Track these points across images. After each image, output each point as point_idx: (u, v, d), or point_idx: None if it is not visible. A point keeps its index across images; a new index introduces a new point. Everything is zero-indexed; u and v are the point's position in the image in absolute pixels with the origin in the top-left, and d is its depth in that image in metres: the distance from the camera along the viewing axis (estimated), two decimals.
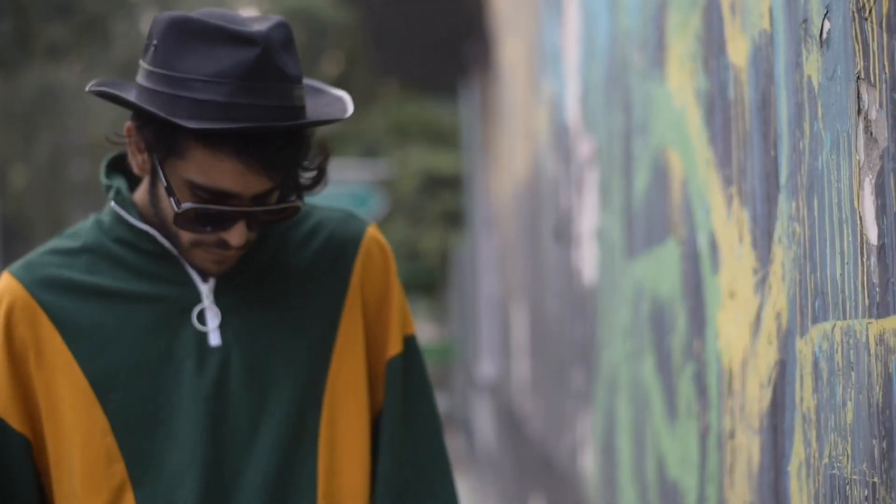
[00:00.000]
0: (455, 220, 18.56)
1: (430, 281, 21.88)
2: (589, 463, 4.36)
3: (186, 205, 1.91)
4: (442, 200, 19.35)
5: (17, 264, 2.04)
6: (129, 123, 1.99)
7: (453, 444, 16.80)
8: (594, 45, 4.06)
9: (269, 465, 2.00)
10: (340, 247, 2.13)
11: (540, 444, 6.24)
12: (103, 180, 2.06)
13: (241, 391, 2.00)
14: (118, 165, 2.09)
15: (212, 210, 1.91)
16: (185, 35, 1.91)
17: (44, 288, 2.01)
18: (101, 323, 2.00)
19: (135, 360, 1.99)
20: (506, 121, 8.16)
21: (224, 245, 1.96)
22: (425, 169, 19.57)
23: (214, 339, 2.01)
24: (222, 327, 2.01)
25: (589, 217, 4.26)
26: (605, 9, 3.78)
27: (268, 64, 1.88)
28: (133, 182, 2.08)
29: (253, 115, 1.86)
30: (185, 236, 1.97)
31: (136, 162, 1.99)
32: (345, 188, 16.14)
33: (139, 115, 1.95)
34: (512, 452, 8.19)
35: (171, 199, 1.93)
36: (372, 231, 2.17)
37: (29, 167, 42.64)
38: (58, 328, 1.99)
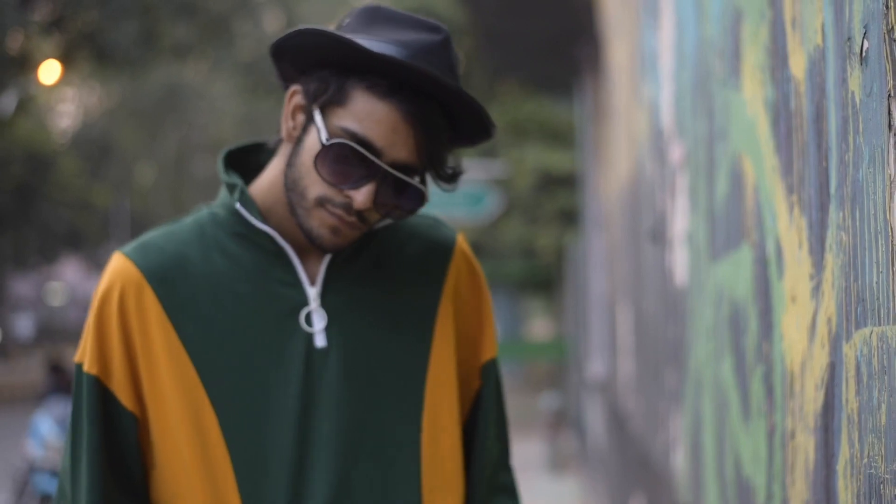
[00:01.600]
0: (570, 218, 18.61)
1: (546, 279, 21.96)
2: (680, 461, 4.43)
3: (335, 139, 1.99)
4: (558, 199, 19.40)
5: (131, 245, 2.10)
6: (294, 87, 2.08)
7: (566, 443, 16.84)
8: (684, 51, 4.14)
9: (373, 467, 2.06)
10: (433, 253, 2.21)
11: (640, 442, 6.31)
12: (224, 177, 2.14)
13: (346, 393, 2.06)
14: (232, 163, 2.18)
15: (354, 153, 1.99)
16: (376, 18, 2.06)
17: (156, 272, 2.06)
18: (213, 315, 2.05)
19: (243, 356, 2.04)
20: (613, 122, 8.23)
21: (348, 208, 2.02)
22: (541, 167, 19.63)
23: (320, 341, 2.07)
24: (328, 330, 2.07)
25: (681, 220, 4.34)
26: (693, 16, 3.85)
27: (447, 50, 2.04)
28: (246, 180, 2.17)
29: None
30: (313, 191, 2.02)
31: (287, 127, 2.08)
32: (460, 187, 16.22)
33: (316, 63, 2.04)
34: (618, 451, 8.25)
35: (322, 135, 2.01)
36: (461, 238, 2.26)
37: (155, 164, 43.46)
38: (168, 314, 2.04)
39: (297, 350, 2.06)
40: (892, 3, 1.64)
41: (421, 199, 2.07)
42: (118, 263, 2.07)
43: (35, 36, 23.68)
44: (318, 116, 2.03)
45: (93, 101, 43.84)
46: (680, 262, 4.38)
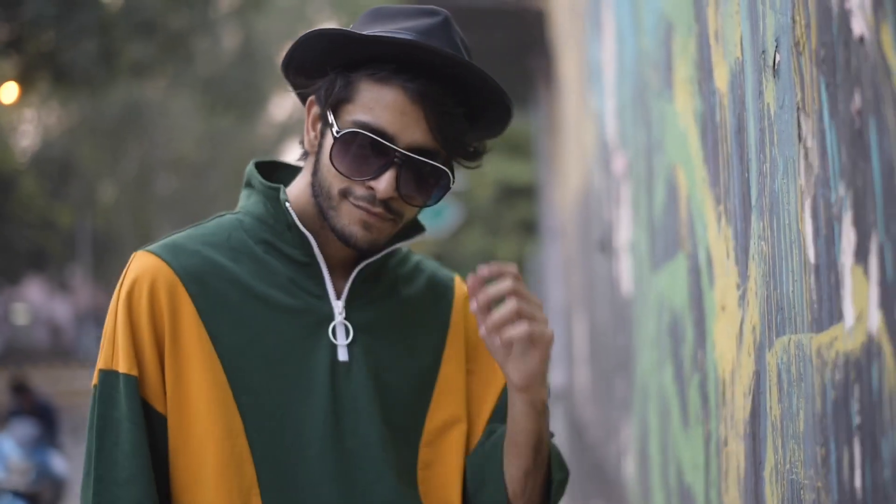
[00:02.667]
0: (530, 229, 18.65)
1: None
2: (630, 469, 4.46)
3: (346, 130, 2.00)
4: (517, 210, 19.45)
5: (156, 245, 2.06)
6: (310, 98, 2.10)
7: None
8: (624, 63, 4.18)
9: (395, 482, 2.07)
10: (439, 286, 2.24)
11: (596, 451, 6.34)
12: (262, 183, 2.13)
13: (368, 407, 2.07)
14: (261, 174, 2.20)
15: (367, 142, 1.99)
16: (377, 16, 2.09)
17: (190, 271, 2.04)
18: (242, 319, 2.04)
19: (271, 364, 2.04)
20: (566, 133, 8.27)
21: (372, 199, 2.01)
22: (501, 179, 19.68)
23: (343, 355, 2.08)
24: (350, 344, 2.09)
25: (625, 230, 4.37)
26: (631, 28, 3.89)
27: (447, 30, 2.05)
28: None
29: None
30: (336, 186, 2.02)
31: (309, 139, 2.09)
32: None
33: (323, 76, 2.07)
34: (577, 459, 8.28)
35: (333, 130, 2.01)
36: (458, 279, 2.29)
37: (117, 182, 43.29)
38: (200, 314, 2.03)
39: (322, 361, 2.06)
40: (799, 18, 1.67)
41: (446, 181, 2.05)
42: (146, 260, 2.04)
43: None
44: (330, 116, 2.04)
45: (52, 121, 43.64)
46: (626, 272, 4.42)
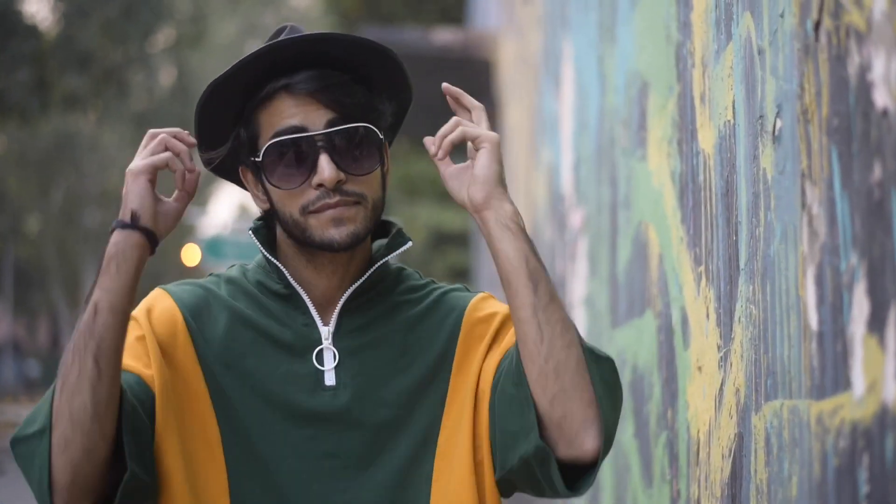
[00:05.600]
0: (461, 276, 18.67)
1: None
2: None
3: (266, 146, 2.04)
4: (448, 256, 19.49)
5: (170, 284, 2.19)
6: (239, 168, 2.14)
7: None
8: (586, 118, 4.20)
9: (380, 502, 2.07)
10: (451, 300, 2.18)
11: (539, 501, 6.32)
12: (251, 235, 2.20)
13: (352, 429, 2.08)
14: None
15: (285, 146, 2.03)
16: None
17: (188, 302, 2.14)
18: (232, 342, 2.11)
19: (255, 386, 2.08)
20: (508, 183, 8.29)
21: (326, 194, 2.03)
22: (433, 225, 19.72)
23: (329, 379, 2.09)
24: (337, 368, 2.10)
25: (580, 285, 4.38)
26: (596, 85, 3.91)
27: (294, 29, 2.11)
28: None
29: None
30: (294, 209, 2.05)
31: (259, 199, 2.13)
32: None
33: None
34: None
35: (259, 160, 2.06)
36: (479, 297, 2.21)
37: (43, 214, 42.93)
38: (193, 338, 2.10)
39: (305, 386, 2.09)
40: (808, 86, 1.69)
41: (377, 140, 2.07)
42: (158, 294, 2.16)
43: None
44: (258, 162, 2.07)
45: None
46: (579, 327, 4.42)
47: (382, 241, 2.18)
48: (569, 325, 1.97)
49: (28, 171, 41.03)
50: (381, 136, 2.08)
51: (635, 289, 3.14)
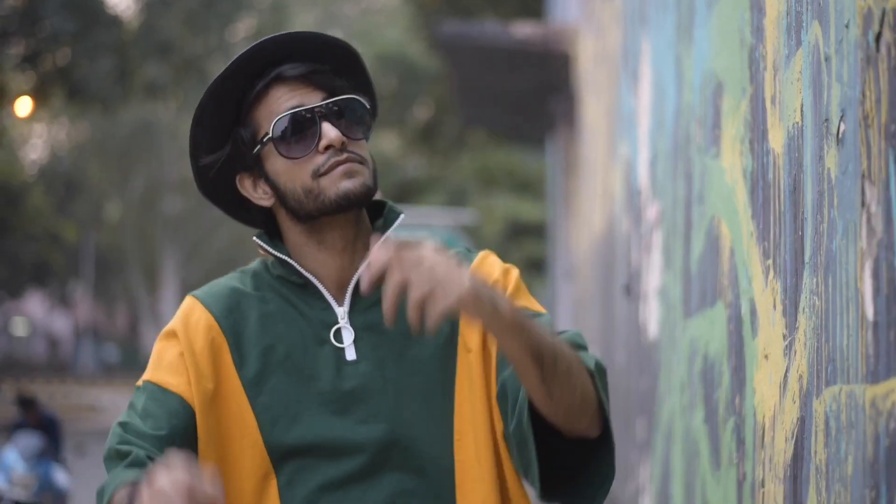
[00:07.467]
0: (538, 267, 18.77)
1: None
2: None
3: (274, 122, 2.24)
4: (525, 247, 19.58)
5: (200, 290, 2.35)
6: (237, 176, 2.33)
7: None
8: (663, 115, 4.32)
9: (409, 475, 2.23)
10: None
11: (611, 491, 6.44)
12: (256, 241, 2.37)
13: (378, 400, 2.24)
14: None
15: (294, 119, 2.23)
16: None
17: (220, 306, 2.29)
18: (263, 335, 2.27)
19: (289, 372, 2.25)
20: (586, 176, 8.41)
21: (335, 153, 2.23)
22: (510, 216, 19.83)
23: (350, 354, 2.26)
24: (356, 343, 2.26)
25: (655, 276, 4.51)
26: (674, 82, 4.03)
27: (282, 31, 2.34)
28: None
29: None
30: (304, 178, 2.24)
31: (264, 197, 2.31)
32: (429, 233, 16.41)
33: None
34: None
35: (268, 139, 2.26)
36: (480, 255, 2.40)
37: (123, 201, 43.46)
38: (227, 340, 2.27)
39: (329, 362, 2.25)
40: (870, 93, 1.81)
41: (364, 111, 2.28)
42: (191, 302, 2.31)
43: (9, 70, 23.73)
44: (256, 149, 2.28)
45: (61, 137, 43.78)
46: (652, 317, 4.55)
47: (380, 222, 2.33)
48: (573, 370, 2.10)
49: (109, 159, 41.55)
50: (369, 109, 2.29)
51: (707, 281, 3.27)
